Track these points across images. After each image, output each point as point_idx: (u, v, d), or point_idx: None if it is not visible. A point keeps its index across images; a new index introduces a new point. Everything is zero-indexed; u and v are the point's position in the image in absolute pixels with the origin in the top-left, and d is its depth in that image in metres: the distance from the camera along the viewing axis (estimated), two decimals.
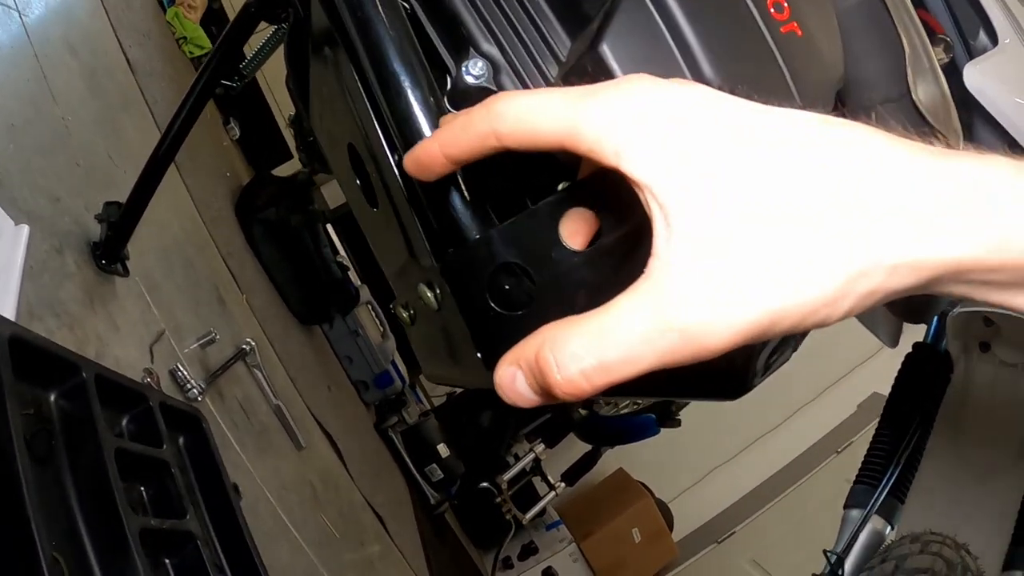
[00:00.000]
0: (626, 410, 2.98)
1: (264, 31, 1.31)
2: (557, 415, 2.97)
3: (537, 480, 3.26)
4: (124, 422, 1.12)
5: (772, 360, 0.61)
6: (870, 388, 3.49)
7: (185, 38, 2.83)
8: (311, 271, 2.42)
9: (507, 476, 3.06)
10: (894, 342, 1.08)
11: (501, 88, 0.59)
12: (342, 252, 2.79)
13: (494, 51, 0.59)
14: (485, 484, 2.96)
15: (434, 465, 2.75)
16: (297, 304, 2.45)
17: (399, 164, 0.60)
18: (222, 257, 2.06)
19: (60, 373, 0.95)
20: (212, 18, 3.10)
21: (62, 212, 1.39)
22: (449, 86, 0.61)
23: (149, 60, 2.32)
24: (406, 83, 0.54)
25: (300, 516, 1.62)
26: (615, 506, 3.42)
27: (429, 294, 0.63)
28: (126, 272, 1.45)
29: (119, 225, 1.39)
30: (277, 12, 1.14)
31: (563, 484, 3.22)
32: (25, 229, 1.21)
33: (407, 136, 0.54)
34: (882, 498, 1.07)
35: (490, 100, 0.38)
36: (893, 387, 1.14)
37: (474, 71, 0.58)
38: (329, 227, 2.73)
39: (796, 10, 0.56)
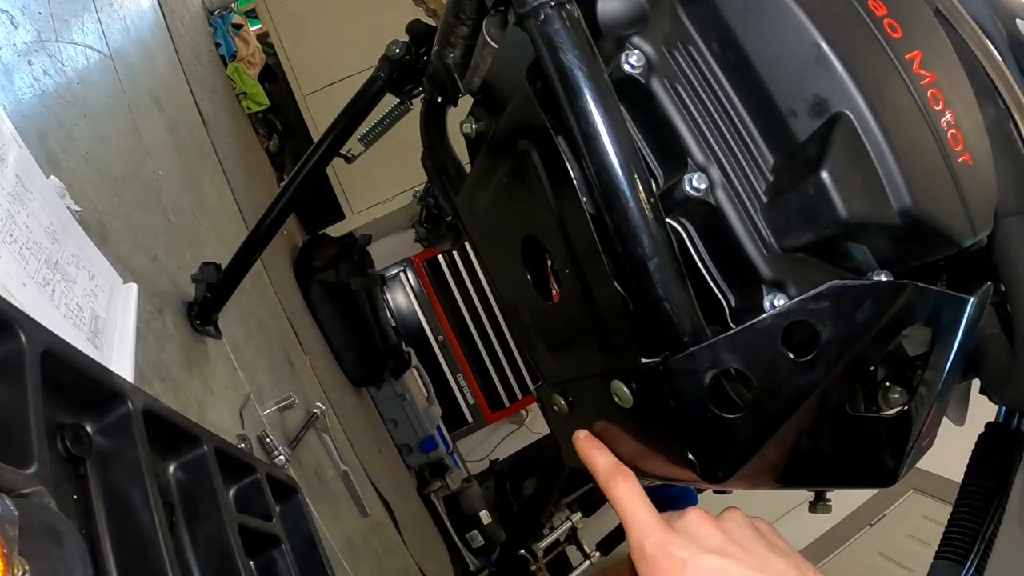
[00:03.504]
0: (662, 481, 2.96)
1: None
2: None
3: (571, 549, 3.21)
4: (231, 493, 1.12)
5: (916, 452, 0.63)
6: None
7: (245, 93, 2.90)
8: (368, 334, 2.43)
9: (543, 544, 3.01)
10: (961, 421, 1.12)
11: (718, 203, 0.61)
12: (390, 316, 2.80)
13: (711, 166, 0.62)
14: (522, 552, 2.91)
15: (475, 532, 2.71)
16: (352, 366, 2.46)
17: (613, 267, 0.61)
18: (287, 317, 2.08)
19: (182, 444, 0.95)
20: (267, 74, 3.19)
21: (159, 271, 1.38)
22: (662, 190, 0.64)
23: (217, 114, 2.36)
24: (628, 189, 0.57)
25: None
26: None
27: (625, 390, 0.65)
28: (219, 334, 1.46)
29: (218, 287, 1.40)
30: (406, 87, 1.17)
31: (598, 553, 3.17)
32: (134, 288, 1.18)
33: (627, 238, 0.57)
34: (970, 574, 1.11)
35: (619, 474, 0.62)
36: (969, 464, 1.18)
37: (697, 184, 0.60)
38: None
39: (968, 141, 0.60)
